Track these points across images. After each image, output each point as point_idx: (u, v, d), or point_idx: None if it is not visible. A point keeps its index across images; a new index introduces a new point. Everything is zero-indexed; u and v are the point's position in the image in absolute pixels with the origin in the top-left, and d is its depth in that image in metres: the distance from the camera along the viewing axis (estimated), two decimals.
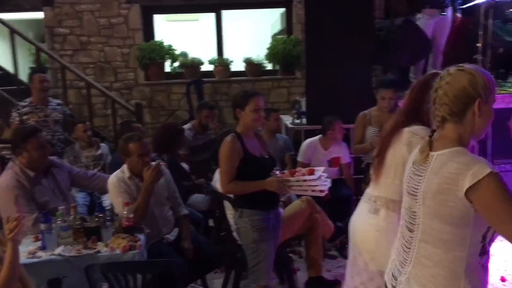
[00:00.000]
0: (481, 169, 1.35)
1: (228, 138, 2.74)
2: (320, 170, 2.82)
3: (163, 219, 3.13)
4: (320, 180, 2.74)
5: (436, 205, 1.45)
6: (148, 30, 6.39)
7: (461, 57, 5.64)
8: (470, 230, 1.41)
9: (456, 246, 1.43)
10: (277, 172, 2.88)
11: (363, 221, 2.11)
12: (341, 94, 4.59)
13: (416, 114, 1.97)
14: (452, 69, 1.51)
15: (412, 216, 1.54)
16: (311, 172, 2.77)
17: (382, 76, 4.94)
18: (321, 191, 2.75)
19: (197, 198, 4.07)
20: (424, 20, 5.38)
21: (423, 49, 5.05)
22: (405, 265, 1.55)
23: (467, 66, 1.50)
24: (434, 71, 1.97)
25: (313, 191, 2.76)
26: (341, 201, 4.08)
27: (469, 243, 1.42)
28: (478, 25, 5.06)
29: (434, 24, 5.40)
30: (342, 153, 4.40)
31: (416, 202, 1.51)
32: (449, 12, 5.42)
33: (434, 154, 1.48)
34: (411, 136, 1.95)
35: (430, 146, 1.50)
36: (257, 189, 2.71)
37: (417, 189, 1.50)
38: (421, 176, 1.50)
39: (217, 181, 3.42)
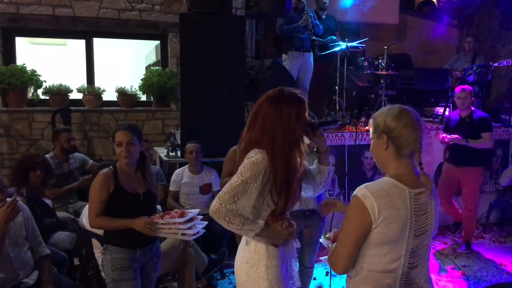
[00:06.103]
0: None
1: (103, 171, 2.66)
2: (192, 213, 2.75)
3: (20, 261, 2.83)
4: (190, 222, 2.66)
5: (435, 228, 1.74)
6: (8, 52, 5.86)
7: (322, 97, 6.29)
8: None
9: None
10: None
11: (239, 253, 2.05)
12: (215, 128, 4.71)
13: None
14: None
15: (412, 254, 1.69)
16: (182, 215, 2.66)
17: None
18: (193, 234, 2.69)
19: (61, 236, 3.75)
20: (289, 62, 5.89)
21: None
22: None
23: None
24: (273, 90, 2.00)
25: (183, 234, 2.67)
26: (215, 233, 4.12)
27: None
28: (336, 70, 5.66)
29: (299, 66, 5.96)
30: (213, 180, 4.47)
31: (426, 238, 1.71)
32: (311, 57, 6.01)
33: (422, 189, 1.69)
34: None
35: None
36: (124, 227, 2.62)
37: (426, 225, 1.69)
38: (426, 212, 1.69)
39: (84, 217, 3.23)
